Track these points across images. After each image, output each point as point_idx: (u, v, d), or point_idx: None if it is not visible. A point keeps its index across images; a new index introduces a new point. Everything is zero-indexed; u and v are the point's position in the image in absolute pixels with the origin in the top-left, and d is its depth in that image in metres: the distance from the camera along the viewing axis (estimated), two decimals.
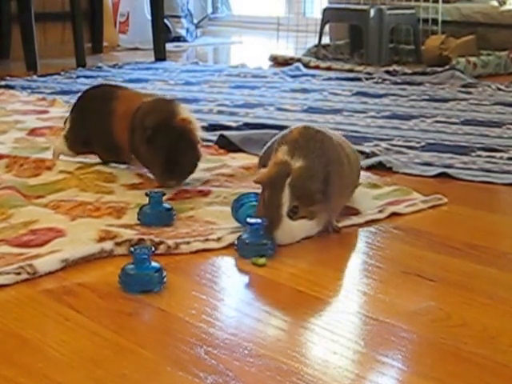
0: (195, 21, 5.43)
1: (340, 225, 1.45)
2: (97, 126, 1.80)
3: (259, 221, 1.32)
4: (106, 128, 1.78)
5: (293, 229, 1.35)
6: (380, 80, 3.36)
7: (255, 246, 1.30)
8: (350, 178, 1.50)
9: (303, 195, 1.33)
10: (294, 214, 1.34)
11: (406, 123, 2.43)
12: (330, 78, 3.43)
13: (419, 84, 3.24)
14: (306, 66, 3.80)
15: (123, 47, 4.80)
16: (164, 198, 1.48)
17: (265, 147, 1.58)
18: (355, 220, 1.49)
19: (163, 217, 1.46)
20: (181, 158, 1.65)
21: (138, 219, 1.46)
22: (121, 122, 1.74)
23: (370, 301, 1.15)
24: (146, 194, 1.48)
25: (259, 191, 1.41)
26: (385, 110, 2.67)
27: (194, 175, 1.74)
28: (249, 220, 1.33)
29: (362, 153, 1.98)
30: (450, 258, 1.31)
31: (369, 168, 1.87)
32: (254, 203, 1.41)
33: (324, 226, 1.41)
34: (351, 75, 3.50)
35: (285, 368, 0.93)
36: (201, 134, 1.70)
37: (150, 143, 1.65)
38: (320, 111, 2.65)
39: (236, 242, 1.34)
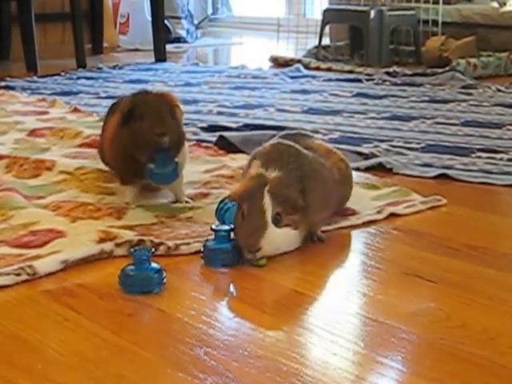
0: (195, 22, 5.43)
1: (338, 226, 1.46)
2: (100, 141, 1.80)
3: (225, 227, 1.30)
4: (101, 142, 1.76)
5: (277, 237, 1.27)
6: (380, 81, 3.36)
7: (221, 254, 1.28)
8: (336, 192, 1.44)
9: (285, 202, 1.27)
10: (277, 222, 1.27)
11: (406, 124, 2.43)
12: (330, 79, 3.43)
13: (419, 85, 3.24)
14: (307, 67, 3.80)
15: (123, 48, 4.80)
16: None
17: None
18: (353, 221, 1.49)
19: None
20: (166, 125, 1.49)
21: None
22: (106, 137, 1.66)
23: (369, 302, 1.15)
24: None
25: None
26: (385, 111, 2.67)
27: (194, 177, 1.74)
28: (214, 227, 1.30)
29: (361, 154, 1.98)
30: (449, 259, 1.31)
31: (368, 169, 1.87)
32: None
33: (305, 236, 1.35)
34: (351, 76, 3.50)
35: (284, 369, 0.93)
36: (182, 108, 1.57)
37: (126, 122, 1.51)
38: (320, 112, 2.65)
39: (202, 250, 1.31)
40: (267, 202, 1.26)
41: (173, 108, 1.54)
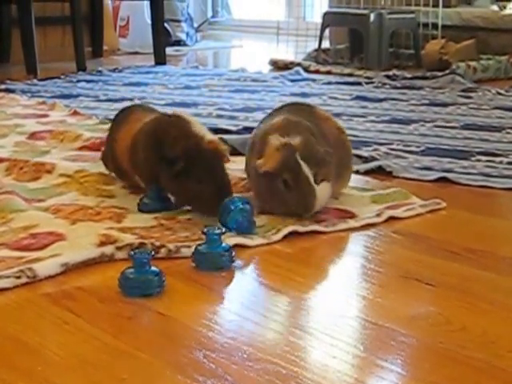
0: (195, 25, 5.44)
1: (337, 228, 1.46)
2: (108, 150, 1.78)
3: (217, 230, 1.29)
4: (112, 151, 1.74)
5: (322, 193, 1.47)
6: (380, 84, 3.36)
7: (212, 258, 1.28)
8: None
9: (316, 162, 1.46)
10: (316, 181, 1.45)
11: (406, 127, 2.43)
12: (329, 83, 3.43)
13: (419, 88, 3.24)
14: (306, 70, 3.81)
15: (123, 51, 4.81)
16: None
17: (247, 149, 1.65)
18: (352, 223, 1.49)
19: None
20: (224, 183, 1.51)
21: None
22: (121, 146, 1.67)
23: (368, 305, 1.15)
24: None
25: (242, 195, 1.47)
26: (384, 114, 2.67)
27: None
28: (205, 230, 1.30)
29: (360, 157, 1.98)
30: (449, 263, 1.31)
31: (368, 172, 1.87)
32: (241, 207, 1.40)
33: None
34: (351, 79, 3.51)
35: (284, 372, 0.94)
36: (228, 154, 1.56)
37: (184, 176, 1.49)
38: None
39: (193, 252, 1.30)
40: (305, 169, 1.44)
41: (222, 159, 1.53)
